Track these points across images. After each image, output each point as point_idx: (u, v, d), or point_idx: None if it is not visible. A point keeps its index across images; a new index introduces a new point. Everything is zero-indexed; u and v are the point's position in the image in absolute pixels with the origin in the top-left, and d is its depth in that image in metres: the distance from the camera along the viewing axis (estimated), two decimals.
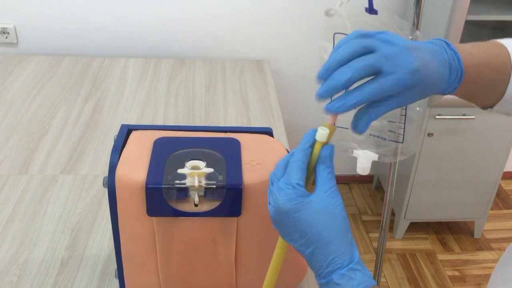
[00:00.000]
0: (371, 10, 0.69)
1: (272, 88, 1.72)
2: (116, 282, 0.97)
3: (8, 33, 1.93)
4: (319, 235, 0.55)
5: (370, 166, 0.78)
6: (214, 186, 0.73)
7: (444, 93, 0.65)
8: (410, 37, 0.73)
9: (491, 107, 0.70)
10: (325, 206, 0.56)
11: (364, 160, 0.77)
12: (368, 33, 0.58)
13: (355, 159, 0.82)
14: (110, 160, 0.76)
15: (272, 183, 0.60)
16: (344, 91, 0.58)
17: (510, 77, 0.67)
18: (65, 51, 1.98)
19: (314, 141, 0.61)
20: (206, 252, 0.78)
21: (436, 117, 1.89)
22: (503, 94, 0.67)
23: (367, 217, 2.37)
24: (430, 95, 0.63)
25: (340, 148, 0.77)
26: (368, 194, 2.50)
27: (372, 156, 0.77)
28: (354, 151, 0.78)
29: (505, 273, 0.62)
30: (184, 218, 0.74)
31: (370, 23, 0.70)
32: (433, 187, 2.09)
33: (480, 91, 0.67)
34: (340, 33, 0.68)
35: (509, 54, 0.69)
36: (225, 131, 0.84)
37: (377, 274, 1.77)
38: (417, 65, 0.56)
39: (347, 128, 0.75)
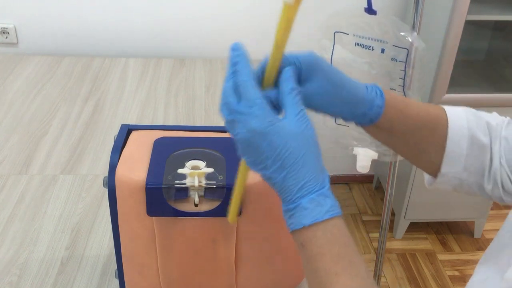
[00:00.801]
0: (370, 10, 0.69)
1: None
2: (116, 282, 0.97)
3: (8, 33, 1.93)
4: (294, 158, 0.54)
5: (369, 164, 0.78)
6: (214, 186, 0.73)
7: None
8: (408, 38, 0.74)
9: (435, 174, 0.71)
10: (298, 129, 0.55)
11: (364, 158, 0.78)
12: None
13: (355, 159, 0.82)
14: (110, 160, 0.76)
15: (230, 113, 0.57)
16: None
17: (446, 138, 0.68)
18: (65, 51, 1.98)
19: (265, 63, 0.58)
20: (206, 252, 0.78)
21: None
22: (443, 155, 0.68)
23: (367, 217, 2.37)
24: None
25: (340, 146, 0.77)
26: (368, 194, 2.50)
27: (372, 154, 0.78)
28: (355, 148, 0.78)
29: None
30: (184, 218, 0.74)
31: (369, 24, 0.70)
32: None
33: (410, 133, 0.67)
34: (341, 32, 0.68)
35: (444, 111, 0.69)
36: (225, 131, 0.84)
37: (377, 274, 1.77)
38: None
39: (347, 126, 0.75)
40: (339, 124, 0.76)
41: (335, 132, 0.76)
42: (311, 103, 0.62)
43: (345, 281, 0.51)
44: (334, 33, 0.68)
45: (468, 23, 1.72)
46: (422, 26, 1.32)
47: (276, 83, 0.59)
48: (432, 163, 0.71)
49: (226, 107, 0.57)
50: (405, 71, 0.74)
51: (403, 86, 0.75)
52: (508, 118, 0.70)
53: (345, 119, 0.65)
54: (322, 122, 0.73)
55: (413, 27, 1.28)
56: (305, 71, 0.61)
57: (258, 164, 0.56)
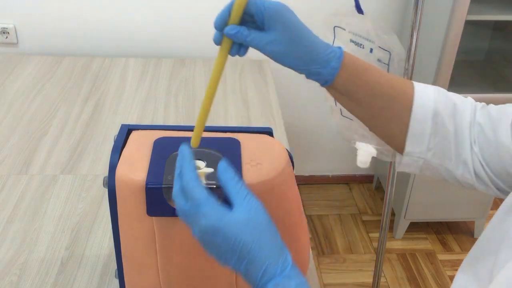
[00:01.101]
0: (358, 9, 0.71)
1: (272, 88, 1.72)
2: (116, 282, 0.97)
3: (8, 33, 1.93)
4: (248, 247, 0.54)
5: (370, 160, 0.79)
6: (214, 186, 0.73)
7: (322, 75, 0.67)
8: (388, 42, 0.74)
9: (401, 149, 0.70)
10: (247, 216, 0.56)
11: (364, 153, 0.78)
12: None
13: (355, 159, 0.83)
14: (110, 160, 0.76)
15: (182, 214, 0.59)
16: None
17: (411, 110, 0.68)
18: (65, 51, 1.98)
19: None
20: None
21: None
22: (407, 130, 0.68)
23: (367, 217, 2.37)
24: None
25: (343, 137, 0.78)
26: (368, 194, 2.50)
27: (372, 151, 0.78)
28: (357, 142, 0.79)
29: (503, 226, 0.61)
30: None
31: (361, 23, 0.71)
32: (433, 187, 2.09)
33: (369, 97, 0.68)
34: (339, 27, 0.69)
35: (413, 87, 0.69)
36: (225, 131, 0.84)
37: (377, 274, 1.77)
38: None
39: (352, 120, 0.75)
40: (344, 117, 0.77)
41: (340, 124, 0.77)
42: (267, 52, 0.66)
43: None
44: (334, 27, 0.69)
45: (468, 23, 1.72)
46: (422, 26, 1.32)
47: (240, 22, 0.65)
48: (396, 140, 0.71)
49: (178, 209, 0.60)
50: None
51: None
52: (482, 103, 0.70)
53: (303, 74, 0.68)
54: (328, 113, 0.74)
55: (413, 27, 1.28)
56: (268, 19, 0.64)
57: (220, 259, 0.57)
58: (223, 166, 0.60)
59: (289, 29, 0.65)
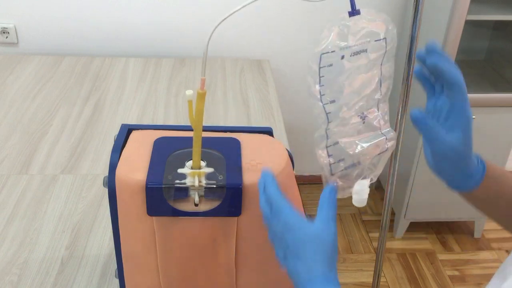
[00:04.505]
0: (353, 10, 0.70)
1: (272, 88, 1.72)
2: (116, 282, 0.97)
3: (8, 33, 1.93)
4: (304, 252, 0.62)
5: (367, 197, 0.80)
6: (214, 186, 0.73)
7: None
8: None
9: None
10: (318, 232, 0.63)
11: (361, 192, 0.80)
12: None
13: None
14: (110, 160, 0.76)
15: (265, 219, 0.68)
16: None
17: None
18: (65, 51, 1.98)
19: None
20: (206, 251, 0.78)
21: None
22: None
23: (367, 216, 2.37)
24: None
25: (344, 193, 0.80)
26: (368, 193, 2.50)
27: (366, 187, 0.80)
28: (352, 190, 0.81)
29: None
30: (184, 217, 0.74)
31: (354, 27, 0.71)
32: (433, 187, 2.09)
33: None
34: (327, 53, 0.69)
35: None
36: (225, 131, 0.84)
37: (377, 274, 1.77)
38: None
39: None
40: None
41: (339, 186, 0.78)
42: (430, 153, 0.67)
43: None
44: (321, 55, 0.69)
45: (468, 23, 1.72)
46: (422, 26, 1.32)
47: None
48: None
49: (264, 216, 0.69)
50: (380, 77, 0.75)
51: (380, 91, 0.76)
52: None
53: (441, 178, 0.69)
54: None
55: (413, 27, 1.28)
56: (454, 115, 0.65)
57: (281, 255, 0.66)
58: (330, 188, 0.69)
59: (464, 142, 0.65)
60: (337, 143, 0.74)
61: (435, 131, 0.65)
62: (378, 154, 0.77)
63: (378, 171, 0.79)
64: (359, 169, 0.78)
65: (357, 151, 0.75)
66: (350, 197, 0.79)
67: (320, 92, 0.70)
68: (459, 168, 0.66)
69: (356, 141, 0.75)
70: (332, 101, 0.72)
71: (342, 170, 0.77)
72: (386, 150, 0.78)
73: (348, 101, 0.73)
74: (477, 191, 0.68)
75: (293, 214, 0.65)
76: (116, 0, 1.91)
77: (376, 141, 0.76)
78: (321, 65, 0.69)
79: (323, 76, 0.70)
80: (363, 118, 0.75)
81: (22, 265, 1.01)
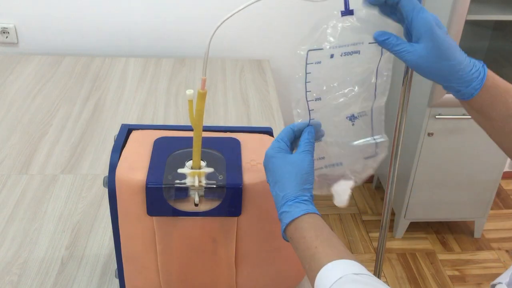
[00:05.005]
0: (346, 9, 0.70)
1: (272, 88, 1.73)
2: (116, 282, 0.97)
3: (8, 32, 1.93)
4: (281, 176, 0.69)
5: (348, 198, 0.80)
6: (214, 186, 0.73)
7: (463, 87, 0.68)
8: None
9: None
10: (293, 160, 0.70)
11: (342, 192, 0.79)
12: None
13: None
14: (110, 160, 0.76)
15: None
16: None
17: None
18: (65, 51, 1.98)
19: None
20: (206, 251, 0.79)
21: (436, 117, 1.89)
22: None
23: (367, 217, 2.37)
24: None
25: (322, 191, 0.80)
26: (368, 194, 2.50)
27: (348, 187, 0.79)
28: (332, 189, 0.80)
29: None
30: (184, 217, 0.74)
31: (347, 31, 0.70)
32: (433, 187, 2.09)
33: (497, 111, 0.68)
34: (315, 49, 0.69)
35: None
36: (225, 131, 0.84)
37: (377, 274, 1.77)
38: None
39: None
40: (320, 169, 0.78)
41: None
42: (411, 65, 0.67)
43: (324, 250, 0.64)
44: (308, 52, 0.70)
45: (468, 23, 1.72)
46: None
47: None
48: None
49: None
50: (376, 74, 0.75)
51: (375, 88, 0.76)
52: None
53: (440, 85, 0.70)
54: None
55: None
56: (417, 31, 0.66)
57: (268, 179, 0.72)
58: (309, 129, 0.74)
59: (438, 47, 0.66)
60: (319, 140, 0.74)
61: (400, 46, 0.67)
62: (365, 158, 0.77)
63: (365, 174, 0.78)
64: (341, 170, 0.77)
65: (335, 151, 0.75)
66: (350, 197, 0.79)
67: (306, 88, 0.71)
68: (443, 75, 0.67)
69: (339, 142, 0.75)
70: (318, 99, 0.72)
71: (322, 168, 0.77)
72: (375, 156, 0.78)
73: (335, 101, 0.73)
74: (474, 100, 0.68)
75: (279, 146, 0.72)
76: (116, 0, 1.91)
77: (360, 145, 0.76)
78: (308, 62, 0.69)
79: (309, 73, 0.70)
80: (353, 121, 0.75)
81: (22, 265, 1.01)
